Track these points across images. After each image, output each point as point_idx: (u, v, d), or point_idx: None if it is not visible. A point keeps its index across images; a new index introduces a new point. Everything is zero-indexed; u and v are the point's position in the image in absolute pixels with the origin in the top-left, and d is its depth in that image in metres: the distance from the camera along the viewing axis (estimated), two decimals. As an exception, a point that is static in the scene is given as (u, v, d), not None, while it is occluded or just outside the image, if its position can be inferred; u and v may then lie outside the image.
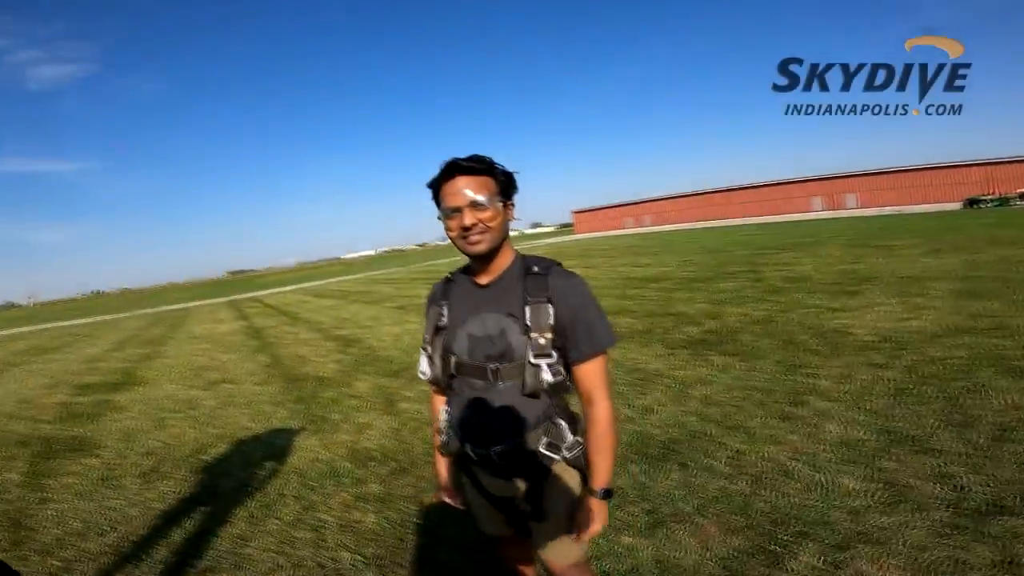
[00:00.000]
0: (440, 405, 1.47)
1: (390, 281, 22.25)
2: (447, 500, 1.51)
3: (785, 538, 2.18)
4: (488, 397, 1.27)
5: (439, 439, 1.44)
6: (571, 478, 1.31)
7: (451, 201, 1.23)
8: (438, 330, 1.37)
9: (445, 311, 1.37)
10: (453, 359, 1.33)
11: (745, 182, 49.20)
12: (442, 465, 1.52)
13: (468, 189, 1.21)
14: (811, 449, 2.90)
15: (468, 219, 1.21)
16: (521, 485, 1.30)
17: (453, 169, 1.23)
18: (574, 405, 1.34)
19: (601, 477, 1.25)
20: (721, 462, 2.89)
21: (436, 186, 1.27)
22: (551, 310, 1.23)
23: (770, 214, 45.35)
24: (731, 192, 50.41)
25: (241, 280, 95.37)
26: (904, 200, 38.31)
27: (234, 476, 3.52)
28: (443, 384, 1.39)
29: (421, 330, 1.48)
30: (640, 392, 4.12)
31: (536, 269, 1.29)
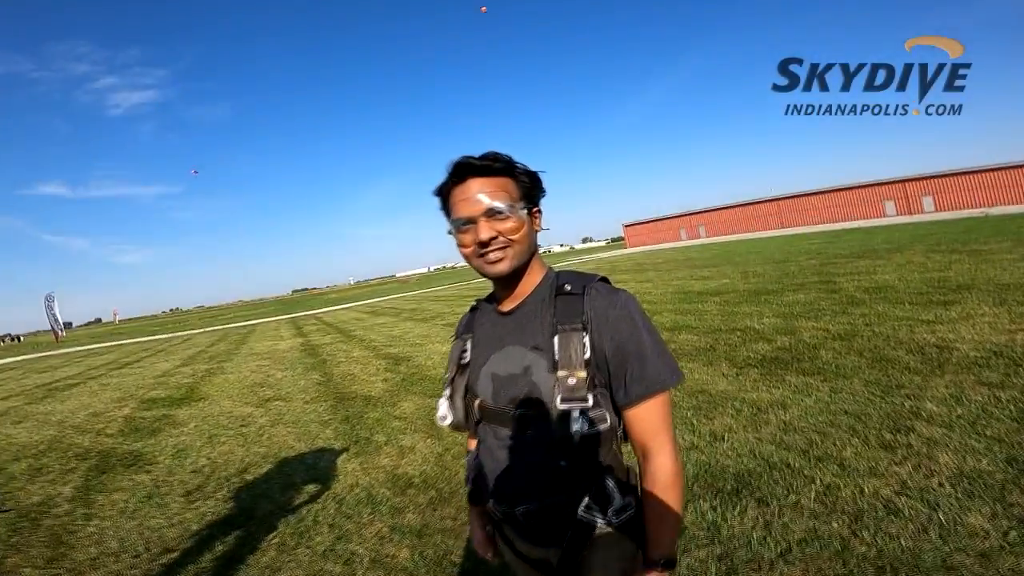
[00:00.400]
0: (472, 449, 1.23)
1: (440, 299, 22.45)
2: (478, 551, 1.25)
3: (895, 587, 1.81)
4: (514, 448, 1.02)
5: (468, 488, 1.20)
6: (619, 547, 1.02)
7: (463, 210, 0.99)
8: (461, 368, 1.13)
9: (468, 346, 1.14)
10: (477, 402, 1.08)
11: (807, 188, 46.68)
12: (473, 515, 1.26)
13: (483, 194, 0.98)
14: (922, 483, 2.47)
15: (485, 232, 0.97)
16: (554, 552, 1.02)
17: (463, 171, 1.00)
18: (628, 454, 1.05)
19: (661, 545, 0.96)
20: (809, 498, 2.48)
21: (444, 193, 1.04)
22: (586, 340, 0.96)
23: (836, 221, 42.68)
24: (792, 199, 47.90)
25: (304, 298, 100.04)
26: (987, 201, 34.98)
27: (272, 499, 3.40)
28: (469, 431, 1.16)
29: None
30: (706, 416, 3.69)
31: (569, 288, 1.02)
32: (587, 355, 0.95)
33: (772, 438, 3.19)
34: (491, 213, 0.97)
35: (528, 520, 1.01)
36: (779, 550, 2.14)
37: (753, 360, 4.97)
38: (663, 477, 0.95)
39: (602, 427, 0.95)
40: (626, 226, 68.03)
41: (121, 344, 25.84)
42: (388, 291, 47.18)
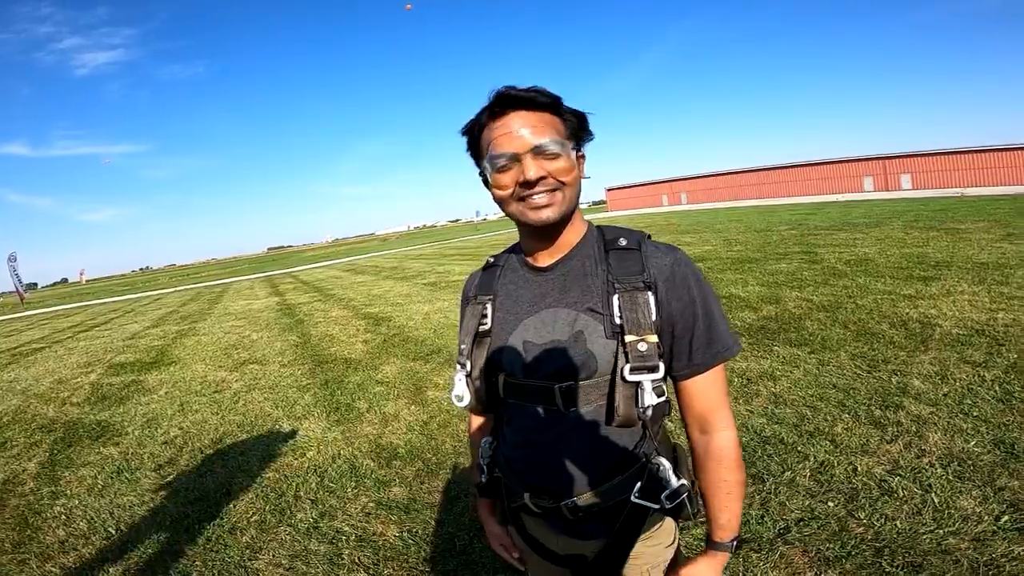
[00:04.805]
0: (480, 433, 1.09)
1: (422, 257, 22.12)
2: (502, 554, 1.12)
3: (893, 570, 1.81)
4: (557, 430, 0.89)
5: (478, 477, 1.06)
6: (667, 533, 0.95)
7: (504, 145, 0.83)
8: (479, 337, 0.96)
9: (489, 310, 0.96)
10: (503, 378, 0.93)
11: (787, 161, 46.87)
12: (486, 509, 1.12)
13: (528, 128, 0.82)
14: (914, 462, 2.47)
15: (533, 170, 0.82)
16: (597, 545, 0.93)
17: (505, 102, 0.84)
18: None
19: (730, 527, 0.89)
20: (804, 476, 2.47)
21: (477, 130, 0.88)
22: (651, 300, 0.84)
23: (815, 194, 43.07)
24: (773, 171, 48.07)
25: (280, 256, 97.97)
26: (963, 182, 35.57)
27: (250, 472, 3.26)
28: (490, 412, 1.01)
29: (453, 314, 1.07)
30: (695, 387, 3.66)
31: (623, 242, 0.89)
32: (654, 317, 0.83)
33: (763, 411, 3.18)
34: (539, 150, 0.82)
35: (576, 513, 0.90)
36: (777, 529, 2.12)
37: (740, 328, 4.96)
38: (730, 454, 0.87)
39: (662, 400, 0.85)
40: (608, 190, 67.65)
41: (88, 305, 24.90)
42: (368, 249, 46.34)
